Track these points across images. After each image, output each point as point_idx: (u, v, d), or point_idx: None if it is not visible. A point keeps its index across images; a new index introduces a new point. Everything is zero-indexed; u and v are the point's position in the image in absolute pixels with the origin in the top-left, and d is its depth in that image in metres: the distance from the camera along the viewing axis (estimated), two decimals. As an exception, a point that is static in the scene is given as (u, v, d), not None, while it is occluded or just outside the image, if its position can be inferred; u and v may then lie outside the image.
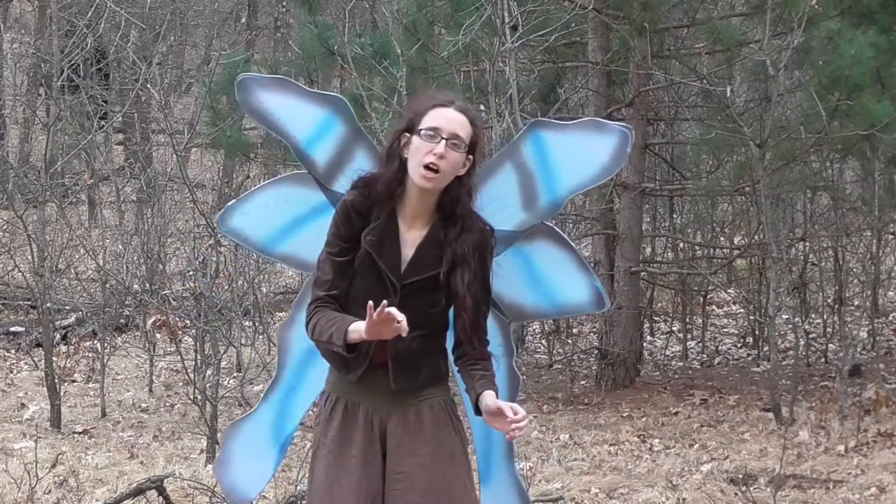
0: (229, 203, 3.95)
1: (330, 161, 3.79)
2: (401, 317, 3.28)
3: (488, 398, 3.48)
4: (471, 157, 3.53)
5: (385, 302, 3.28)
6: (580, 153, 3.79)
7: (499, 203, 3.74)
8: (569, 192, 3.86)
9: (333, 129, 3.78)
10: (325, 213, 3.76)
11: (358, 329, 3.40)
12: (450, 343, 3.66)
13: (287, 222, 3.89)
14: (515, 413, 3.37)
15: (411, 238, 3.54)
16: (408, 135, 3.52)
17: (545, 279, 3.92)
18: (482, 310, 3.58)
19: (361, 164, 3.70)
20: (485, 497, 4.07)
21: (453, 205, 3.53)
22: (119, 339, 11.73)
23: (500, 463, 4.09)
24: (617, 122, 3.91)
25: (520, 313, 3.99)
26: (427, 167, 3.45)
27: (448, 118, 3.49)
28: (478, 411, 3.52)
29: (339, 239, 3.53)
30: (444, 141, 3.45)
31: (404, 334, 3.31)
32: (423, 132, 3.47)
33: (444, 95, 3.59)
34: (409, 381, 3.54)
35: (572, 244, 4.04)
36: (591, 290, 3.94)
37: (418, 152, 3.47)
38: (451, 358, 3.67)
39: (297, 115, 3.77)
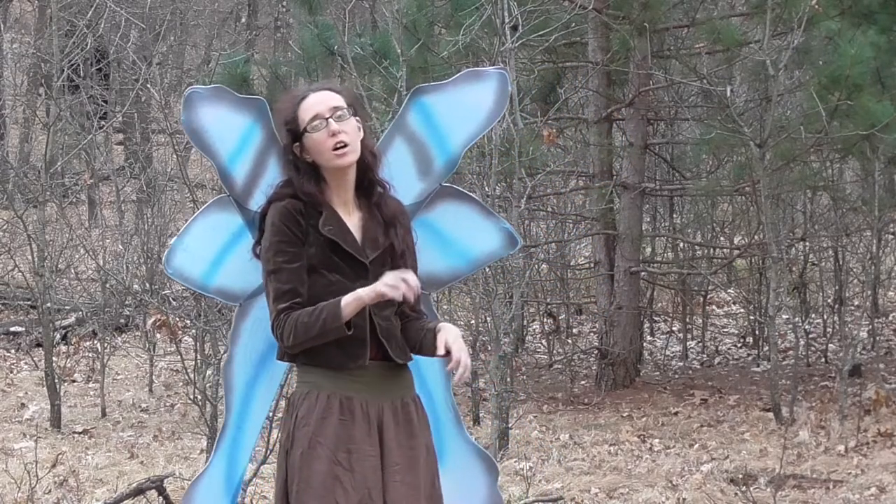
0: (172, 241, 3.86)
1: (247, 176, 3.73)
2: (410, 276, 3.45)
3: (443, 333, 3.51)
4: (358, 118, 3.59)
5: (411, 278, 3.41)
6: (464, 106, 3.86)
7: (396, 180, 3.72)
8: (463, 147, 3.92)
9: (254, 137, 3.72)
10: (243, 237, 3.73)
11: (352, 299, 3.43)
12: None
13: (216, 253, 3.79)
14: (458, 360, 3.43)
15: (353, 221, 3.59)
16: (297, 144, 3.56)
17: (454, 239, 3.94)
18: (417, 270, 3.64)
19: (273, 174, 3.69)
20: (444, 478, 3.75)
21: (366, 171, 3.61)
22: (119, 339, 11.72)
23: (451, 432, 3.99)
24: (493, 67, 4.00)
25: (437, 281, 3.98)
26: (336, 148, 3.51)
27: (317, 102, 3.56)
28: (432, 352, 3.54)
29: (287, 244, 3.51)
30: (329, 119, 3.52)
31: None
32: (308, 129, 3.53)
33: (297, 91, 3.65)
34: (403, 354, 3.60)
35: (471, 195, 4.10)
36: (500, 233, 3.98)
37: (320, 145, 3.53)
38: None
39: (226, 127, 3.71)
